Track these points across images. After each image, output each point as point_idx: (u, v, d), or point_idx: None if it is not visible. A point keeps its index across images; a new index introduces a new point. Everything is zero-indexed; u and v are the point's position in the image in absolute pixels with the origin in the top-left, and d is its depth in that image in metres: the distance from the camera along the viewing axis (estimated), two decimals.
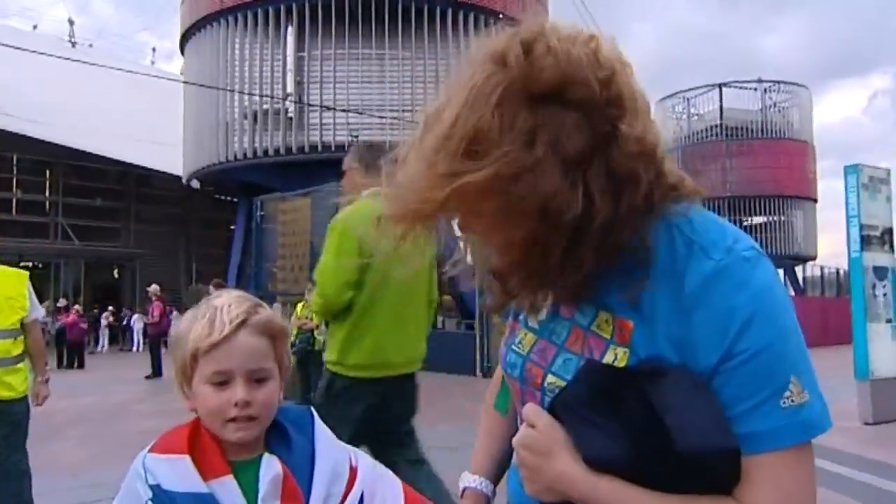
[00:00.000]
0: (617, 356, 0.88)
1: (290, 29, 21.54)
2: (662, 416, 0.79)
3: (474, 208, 0.82)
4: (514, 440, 0.91)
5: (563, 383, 0.92)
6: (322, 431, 1.11)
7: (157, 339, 15.39)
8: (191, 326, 1.06)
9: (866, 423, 7.57)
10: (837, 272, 29.18)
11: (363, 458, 1.15)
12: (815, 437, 0.82)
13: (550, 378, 0.94)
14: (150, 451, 1.04)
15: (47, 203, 31.55)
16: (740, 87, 35.41)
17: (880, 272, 8.35)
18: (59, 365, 16.76)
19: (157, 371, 14.41)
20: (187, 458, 1.00)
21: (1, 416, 3.55)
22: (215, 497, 0.98)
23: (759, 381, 0.81)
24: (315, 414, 1.13)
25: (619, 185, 0.81)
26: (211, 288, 12.89)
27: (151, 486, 0.98)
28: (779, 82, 35.79)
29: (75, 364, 17.48)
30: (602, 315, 0.91)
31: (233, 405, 1.02)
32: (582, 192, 0.79)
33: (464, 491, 1.17)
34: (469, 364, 13.76)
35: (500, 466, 1.17)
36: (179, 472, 0.99)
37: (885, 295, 8.35)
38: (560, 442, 0.86)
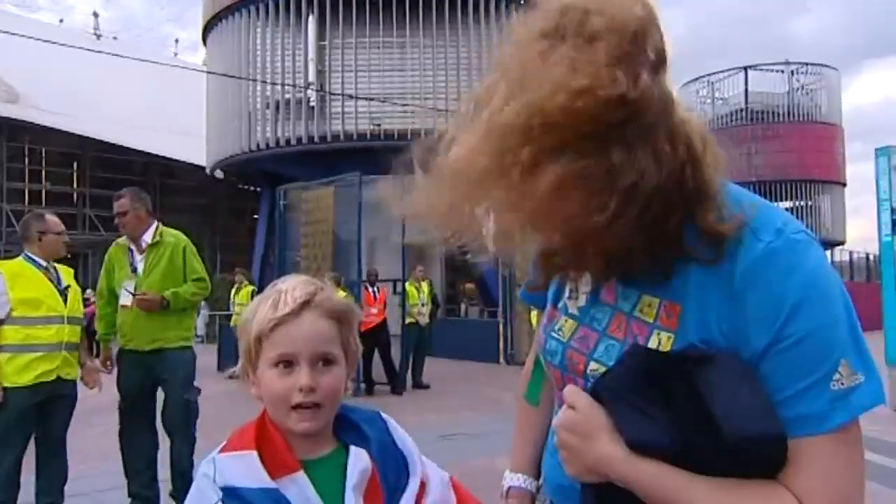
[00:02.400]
0: (661, 341, 0.88)
1: (311, 18, 21.54)
2: (709, 403, 0.79)
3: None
4: (555, 422, 0.91)
5: (606, 370, 0.91)
6: (399, 429, 1.09)
7: None
8: (255, 310, 1.04)
9: None
10: (867, 257, 28.68)
11: (427, 461, 1.11)
12: (866, 410, 0.81)
13: (593, 365, 0.94)
14: (219, 451, 1.01)
15: (75, 195, 32.04)
16: (767, 70, 34.81)
17: None
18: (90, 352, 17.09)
19: None
20: (254, 453, 0.97)
21: (68, 397, 3.97)
22: (282, 493, 0.95)
23: (808, 365, 0.80)
24: (384, 415, 1.11)
25: (678, 154, 0.80)
26: (240, 277, 13.10)
27: (221, 488, 0.96)
28: (807, 64, 35.08)
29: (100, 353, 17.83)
30: (645, 299, 0.91)
31: (297, 390, 0.99)
32: (651, 158, 0.77)
33: (508, 490, 1.17)
34: (492, 352, 13.78)
35: (540, 458, 1.16)
36: (247, 469, 0.96)
37: None
38: (601, 424, 0.85)
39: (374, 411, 1.12)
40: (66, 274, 4.08)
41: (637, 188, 0.77)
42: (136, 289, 4.25)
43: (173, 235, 4.42)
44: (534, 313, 9.89)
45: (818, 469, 0.79)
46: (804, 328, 0.80)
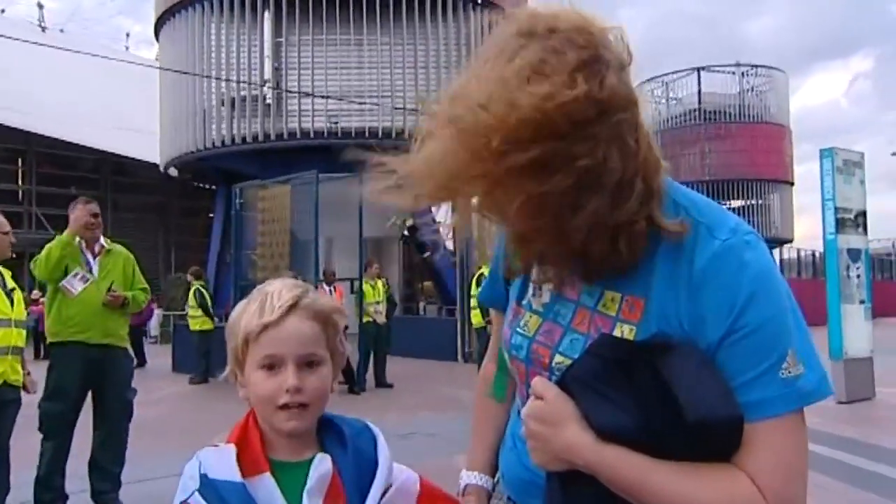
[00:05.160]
0: (623, 332, 0.93)
1: (267, 14, 21.29)
2: (672, 389, 0.83)
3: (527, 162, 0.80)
4: (523, 412, 0.94)
5: (571, 362, 0.95)
6: (385, 448, 1.10)
7: (138, 327, 15.28)
8: (242, 312, 1.06)
9: (840, 402, 7.71)
10: (813, 254, 29.55)
11: (405, 478, 1.12)
12: (809, 404, 0.87)
13: (558, 358, 0.98)
14: (212, 444, 1.05)
15: (20, 192, 31.06)
16: (718, 71, 35.61)
17: (854, 254, 8.48)
18: (37, 356, 16.53)
19: (140, 360, 14.30)
20: (233, 447, 1.01)
21: (13, 402, 3.85)
22: (248, 490, 0.98)
23: (760, 354, 0.86)
24: (374, 427, 1.12)
25: (640, 150, 0.85)
26: (189, 276, 12.79)
27: (200, 476, 0.99)
28: (756, 66, 36.01)
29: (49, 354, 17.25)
30: (608, 294, 0.96)
31: (284, 391, 1.01)
32: (617, 152, 0.82)
33: (465, 488, 1.19)
34: (450, 350, 13.81)
35: (497, 458, 1.19)
36: (222, 462, 1.00)
37: (858, 276, 8.49)
38: (569, 413, 0.89)
39: (364, 423, 1.13)
40: (7, 275, 3.97)
41: (602, 180, 0.81)
42: (87, 285, 4.41)
43: (118, 246, 4.78)
44: (475, 312, 9.92)
45: (769, 451, 0.85)
46: (756, 320, 0.86)
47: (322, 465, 1.03)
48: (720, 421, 0.83)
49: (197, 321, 11.85)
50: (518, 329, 1.05)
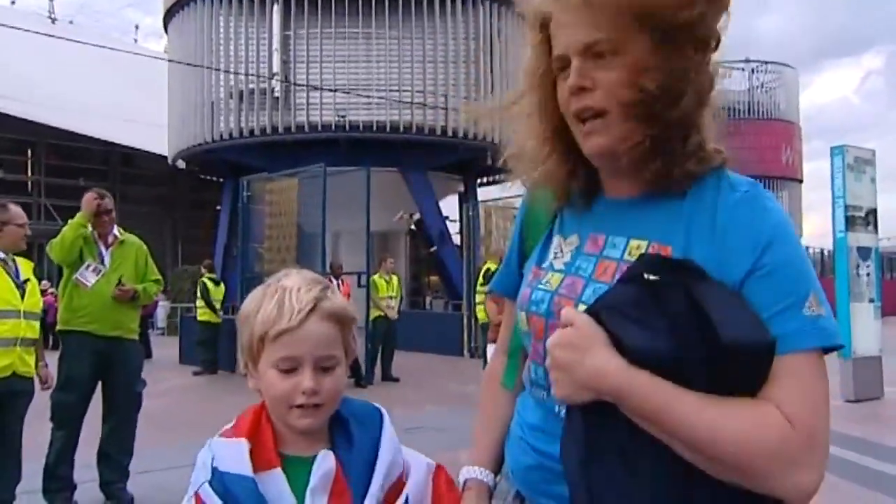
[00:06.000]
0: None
1: (275, 7, 21.28)
2: (706, 310, 0.83)
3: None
4: (549, 342, 0.92)
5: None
6: (390, 433, 1.09)
7: (144, 320, 15.34)
8: (259, 306, 1.04)
9: (848, 401, 7.68)
10: (822, 252, 29.40)
11: (417, 463, 1.11)
12: (831, 345, 0.89)
13: (581, 307, 0.97)
14: (220, 434, 1.04)
15: (29, 183, 31.19)
16: (728, 67, 35.26)
17: (864, 252, 8.43)
18: (45, 346, 16.65)
19: (146, 351, 14.38)
20: (244, 441, 1.00)
21: (23, 393, 3.84)
22: (257, 484, 0.97)
23: (784, 290, 0.89)
24: (385, 414, 1.11)
25: (709, 72, 1.05)
26: (202, 269, 12.83)
27: (212, 468, 0.99)
28: (766, 62, 35.77)
29: (58, 345, 17.35)
30: (633, 243, 0.99)
31: (300, 392, 1.00)
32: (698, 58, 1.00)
33: (465, 483, 1.17)
34: (456, 345, 13.80)
35: (500, 454, 1.18)
36: (234, 455, 0.99)
37: (868, 275, 8.44)
38: (599, 338, 0.88)
39: (375, 408, 1.12)
40: (25, 267, 3.95)
41: (686, 80, 0.98)
42: (99, 277, 4.43)
43: (131, 236, 4.77)
44: (480, 307, 9.89)
45: (795, 383, 0.86)
46: (779, 259, 0.90)
47: (325, 462, 1.02)
48: (752, 344, 0.84)
49: (201, 312, 12.01)
50: (539, 286, 1.06)
